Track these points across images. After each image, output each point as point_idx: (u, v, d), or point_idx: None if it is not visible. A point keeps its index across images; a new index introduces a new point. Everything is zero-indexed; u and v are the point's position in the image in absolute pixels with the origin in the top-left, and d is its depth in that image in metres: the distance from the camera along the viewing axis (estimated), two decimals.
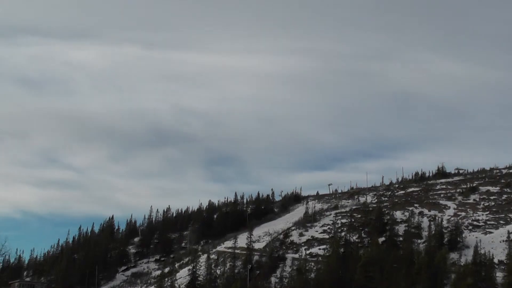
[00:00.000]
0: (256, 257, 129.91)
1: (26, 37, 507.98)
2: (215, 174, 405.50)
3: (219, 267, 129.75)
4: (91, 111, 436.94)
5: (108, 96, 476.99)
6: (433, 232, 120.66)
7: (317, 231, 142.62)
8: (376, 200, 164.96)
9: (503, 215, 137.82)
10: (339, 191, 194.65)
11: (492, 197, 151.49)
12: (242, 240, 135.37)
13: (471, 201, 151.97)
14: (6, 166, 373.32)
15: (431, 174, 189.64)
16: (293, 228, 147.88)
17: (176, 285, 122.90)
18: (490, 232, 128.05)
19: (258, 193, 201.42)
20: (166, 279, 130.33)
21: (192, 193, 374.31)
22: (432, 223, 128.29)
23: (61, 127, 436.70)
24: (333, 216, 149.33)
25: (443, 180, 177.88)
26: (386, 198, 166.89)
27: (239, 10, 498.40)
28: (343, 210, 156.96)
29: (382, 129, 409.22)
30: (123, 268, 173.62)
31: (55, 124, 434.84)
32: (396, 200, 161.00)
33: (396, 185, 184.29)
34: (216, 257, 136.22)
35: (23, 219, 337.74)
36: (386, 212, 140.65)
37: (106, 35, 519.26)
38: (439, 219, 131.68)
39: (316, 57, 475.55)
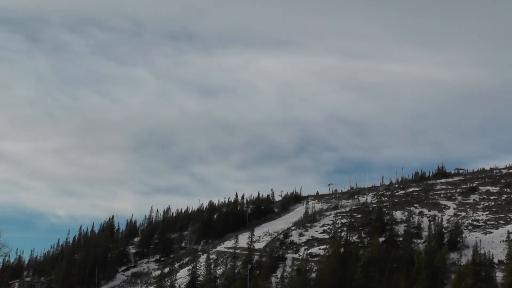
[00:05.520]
0: (256, 257, 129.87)
1: (225, 47, 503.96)
2: (328, 178, 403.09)
3: (219, 267, 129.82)
4: (248, 120, 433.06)
5: (275, 105, 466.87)
6: (433, 232, 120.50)
7: (317, 231, 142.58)
8: (376, 200, 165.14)
9: (503, 215, 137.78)
10: (339, 191, 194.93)
11: (492, 197, 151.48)
12: (242, 240, 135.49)
13: (471, 201, 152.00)
14: (129, 174, 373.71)
15: (431, 174, 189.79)
16: (293, 228, 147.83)
17: (176, 285, 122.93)
18: (490, 232, 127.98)
19: (258, 193, 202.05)
20: (166, 279, 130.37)
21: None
22: (432, 223, 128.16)
23: (209, 136, 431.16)
24: (333, 216, 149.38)
25: (443, 180, 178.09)
26: (386, 198, 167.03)
27: (430, 24, 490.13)
28: (343, 210, 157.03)
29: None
30: (123, 268, 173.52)
31: (204, 134, 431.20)
32: (396, 200, 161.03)
33: (396, 185, 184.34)
34: (216, 257, 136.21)
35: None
36: (386, 212, 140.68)
37: (308, 45, 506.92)
38: (439, 219, 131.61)
39: (491, 69, 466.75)
